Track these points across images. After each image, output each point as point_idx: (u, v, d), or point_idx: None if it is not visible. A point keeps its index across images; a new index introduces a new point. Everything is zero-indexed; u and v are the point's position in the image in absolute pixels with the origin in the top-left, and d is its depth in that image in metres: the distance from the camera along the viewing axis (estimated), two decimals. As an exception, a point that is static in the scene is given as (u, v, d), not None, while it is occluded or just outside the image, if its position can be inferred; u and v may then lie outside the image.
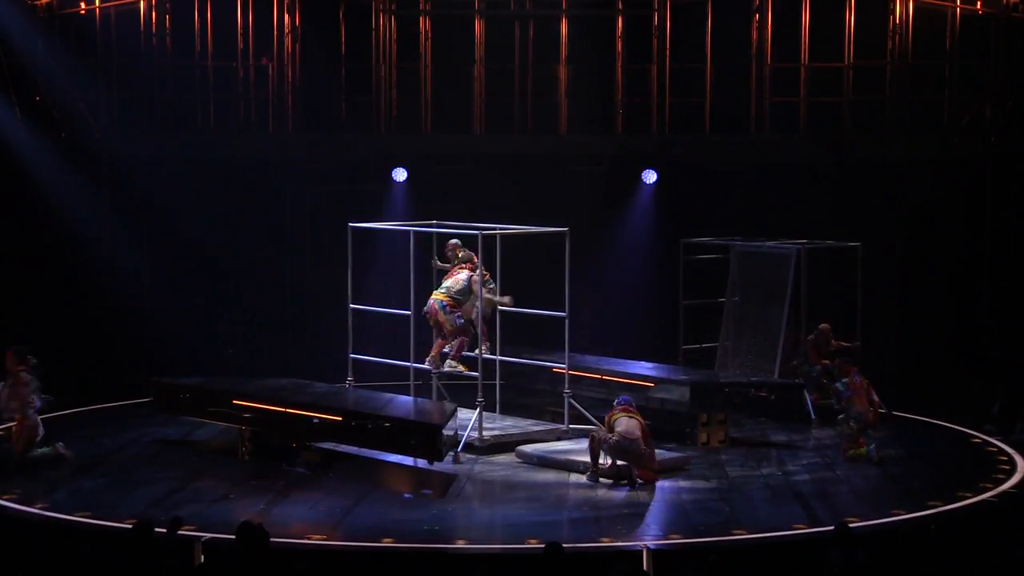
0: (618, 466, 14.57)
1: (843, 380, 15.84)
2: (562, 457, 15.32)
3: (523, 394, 17.79)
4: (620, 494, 14.20)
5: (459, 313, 16.59)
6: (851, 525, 11.58)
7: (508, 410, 17.10)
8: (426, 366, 16.74)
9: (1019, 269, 19.49)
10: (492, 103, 20.64)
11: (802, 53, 20.31)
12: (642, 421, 14.65)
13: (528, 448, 15.75)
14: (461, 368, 16.63)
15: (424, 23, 20.80)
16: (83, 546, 12.07)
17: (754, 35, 20.35)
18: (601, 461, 14.60)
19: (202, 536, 11.99)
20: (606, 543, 12.52)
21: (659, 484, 14.45)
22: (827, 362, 17.80)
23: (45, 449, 15.41)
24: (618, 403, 14.86)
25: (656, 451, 14.79)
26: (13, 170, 19.13)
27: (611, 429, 14.53)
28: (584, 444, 15.17)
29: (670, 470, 14.92)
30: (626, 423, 14.48)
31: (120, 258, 19.99)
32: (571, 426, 16.28)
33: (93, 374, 18.89)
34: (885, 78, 20.16)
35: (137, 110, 20.42)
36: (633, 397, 16.97)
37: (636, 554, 11.62)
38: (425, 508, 13.81)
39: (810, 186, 19.85)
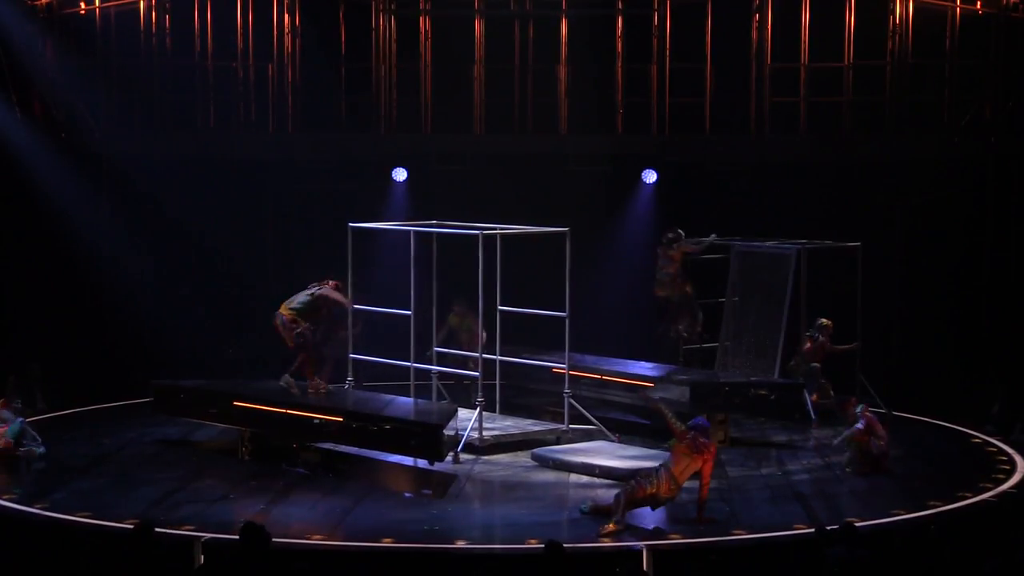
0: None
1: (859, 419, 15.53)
2: (578, 460, 15.24)
3: (523, 394, 17.79)
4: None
5: (299, 329, 15.96)
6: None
7: (508, 410, 17.10)
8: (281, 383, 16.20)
9: (1019, 269, 19.48)
10: (492, 103, 20.63)
11: (802, 53, 20.30)
12: (701, 464, 13.13)
13: (543, 451, 15.75)
14: (293, 389, 15.91)
15: (424, 23, 20.80)
16: (83, 546, 12.09)
17: (754, 35, 20.35)
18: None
19: (202, 536, 12.01)
20: (606, 543, 12.52)
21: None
22: (817, 365, 17.98)
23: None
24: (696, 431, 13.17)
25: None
26: (13, 170, 19.12)
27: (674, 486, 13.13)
28: (599, 446, 15.18)
29: None
30: (681, 463, 13.06)
31: (120, 258, 19.97)
32: (571, 426, 16.29)
33: (93, 374, 18.88)
34: (885, 78, 20.15)
35: (137, 110, 20.42)
36: (636, 397, 16.98)
37: (636, 554, 11.62)
38: (425, 508, 13.81)
39: (810, 186, 19.83)
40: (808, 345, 18.03)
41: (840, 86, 20.22)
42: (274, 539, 10.56)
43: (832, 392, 18.17)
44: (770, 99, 20.32)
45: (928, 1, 19.98)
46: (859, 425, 15.21)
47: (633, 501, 13.00)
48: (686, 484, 13.27)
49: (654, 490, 13.02)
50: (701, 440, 13.10)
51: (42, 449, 15.65)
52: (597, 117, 20.59)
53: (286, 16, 20.61)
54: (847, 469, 15.28)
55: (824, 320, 18.15)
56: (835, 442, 15.83)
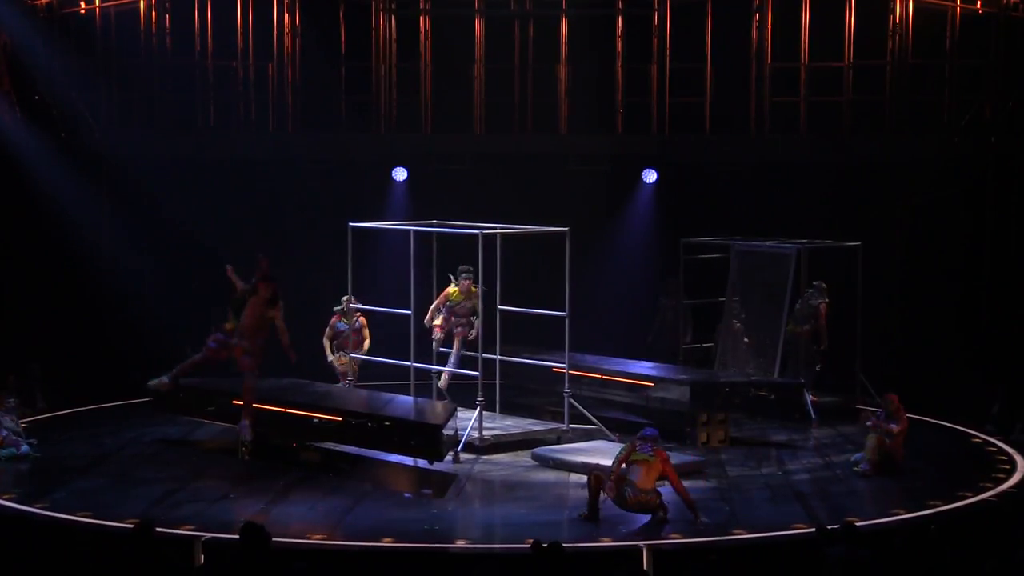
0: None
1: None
2: (578, 460, 15.21)
3: (523, 394, 17.79)
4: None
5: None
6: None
7: (508, 410, 17.10)
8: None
9: (1019, 269, 19.47)
10: (492, 103, 20.64)
11: (802, 53, 20.31)
12: (661, 465, 13.26)
13: (543, 450, 15.74)
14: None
15: (424, 23, 20.80)
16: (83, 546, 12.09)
17: (754, 35, 20.35)
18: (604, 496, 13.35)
19: (202, 536, 12.02)
20: (606, 543, 12.52)
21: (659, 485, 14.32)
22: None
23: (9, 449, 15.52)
24: (641, 440, 13.33)
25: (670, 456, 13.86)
26: (13, 170, 19.12)
27: (621, 474, 13.19)
28: (599, 446, 15.15)
29: (685, 475, 14.21)
30: (642, 475, 13.15)
31: (120, 258, 19.98)
32: (571, 426, 16.29)
33: (93, 374, 18.87)
34: (885, 78, 20.15)
35: (137, 110, 20.43)
36: (636, 397, 16.93)
37: (636, 554, 11.62)
38: (425, 508, 13.81)
39: (810, 186, 19.84)
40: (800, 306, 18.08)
41: (840, 86, 20.23)
42: (274, 539, 10.56)
43: (825, 347, 18.14)
44: (770, 99, 20.33)
45: (928, 1, 19.98)
46: (876, 416, 15.27)
47: (596, 489, 13.22)
48: (685, 483, 13.29)
49: (626, 506, 13.12)
50: (648, 443, 13.18)
51: (26, 448, 15.59)
52: (597, 117, 20.60)
53: (286, 16, 20.62)
54: (855, 468, 15.21)
55: (822, 284, 18.15)
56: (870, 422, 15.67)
